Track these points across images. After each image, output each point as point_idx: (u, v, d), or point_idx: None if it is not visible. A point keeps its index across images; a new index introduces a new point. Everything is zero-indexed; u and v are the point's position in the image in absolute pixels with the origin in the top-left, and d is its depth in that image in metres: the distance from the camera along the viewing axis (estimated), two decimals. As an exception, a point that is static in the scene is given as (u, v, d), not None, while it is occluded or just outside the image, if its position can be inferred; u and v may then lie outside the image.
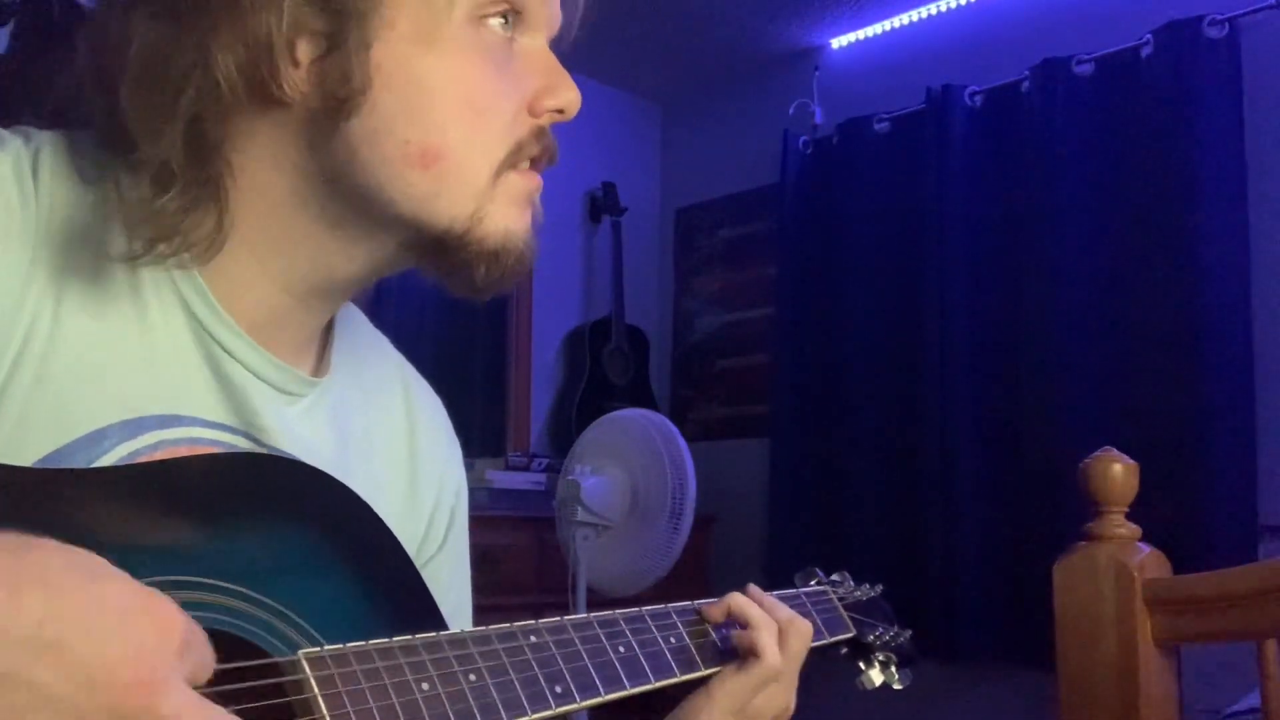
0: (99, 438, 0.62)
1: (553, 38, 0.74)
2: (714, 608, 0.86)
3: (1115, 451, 1.34)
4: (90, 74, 0.65)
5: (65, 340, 0.62)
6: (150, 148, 0.61)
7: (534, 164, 0.72)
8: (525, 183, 0.71)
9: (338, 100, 0.64)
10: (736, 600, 0.86)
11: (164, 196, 0.61)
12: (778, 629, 0.85)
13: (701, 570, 3.39)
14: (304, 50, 0.63)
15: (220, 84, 0.61)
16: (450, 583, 0.85)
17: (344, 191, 0.67)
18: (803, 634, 0.87)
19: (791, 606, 0.92)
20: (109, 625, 0.42)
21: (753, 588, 0.89)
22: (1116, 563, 1.30)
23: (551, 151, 0.73)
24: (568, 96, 0.71)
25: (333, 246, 0.69)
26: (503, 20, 0.69)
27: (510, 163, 0.69)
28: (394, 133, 0.65)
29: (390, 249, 0.70)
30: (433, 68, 0.66)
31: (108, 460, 0.62)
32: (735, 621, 0.85)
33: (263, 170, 0.66)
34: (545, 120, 0.71)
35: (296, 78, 0.64)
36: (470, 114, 0.67)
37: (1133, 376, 2.77)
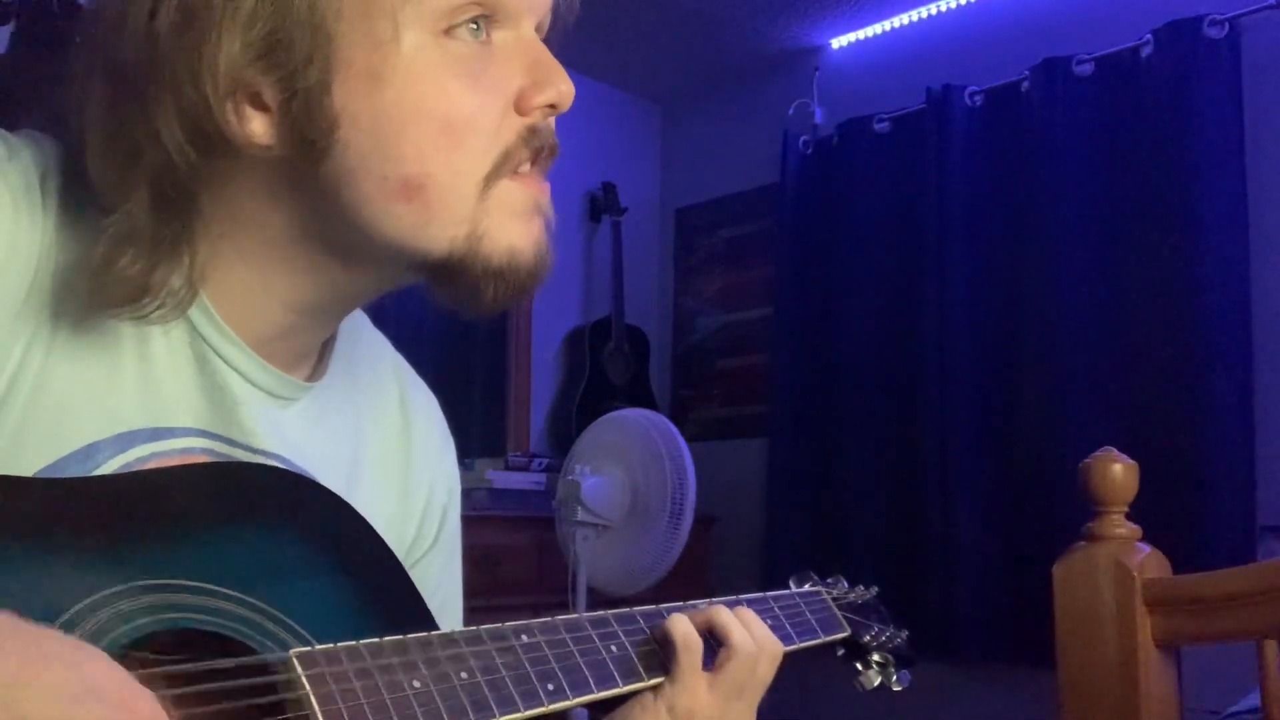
0: (91, 452, 0.62)
1: (543, 20, 0.69)
2: (697, 616, 0.79)
3: (1115, 451, 1.34)
4: (67, 134, 0.64)
5: (63, 357, 0.62)
6: (117, 210, 0.61)
7: (534, 163, 0.69)
8: (526, 191, 0.68)
9: (306, 145, 0.62)
10: (721, 615, 0.79)
11: (122, 260, 0.60)
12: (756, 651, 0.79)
13: (701, 570, 3.38)
14: (269, 96, 0.62)
15: (171, 155, 0.60)
16: (439, 581, 0.85)
17: (339, 227, 0.66)
18: (773, 657, 0.80)
19: (785, 607, 0.91)
20: (74, 700, 0.42)
21: (743, 609, 0.82)
22: (1116, 563, 1.30)
23: (551, 148, 0.69)
24: (558, 89, 0.67)
25: (339, 273, 0.68)
26: (473, 26, 0.65)
27: (500, 173, 0.66)
28: (370, 170, 0.63)
29: (399, 272, 0.69)
30: (395, 100, 0.63)
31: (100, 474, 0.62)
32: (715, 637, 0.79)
33: (258, 205, 0.65)
34: (537, 118, 0.67)
35: (264, 123, 0.62)
36: (446, 137, 0.64)
37: (1133, 376, 2.77)
